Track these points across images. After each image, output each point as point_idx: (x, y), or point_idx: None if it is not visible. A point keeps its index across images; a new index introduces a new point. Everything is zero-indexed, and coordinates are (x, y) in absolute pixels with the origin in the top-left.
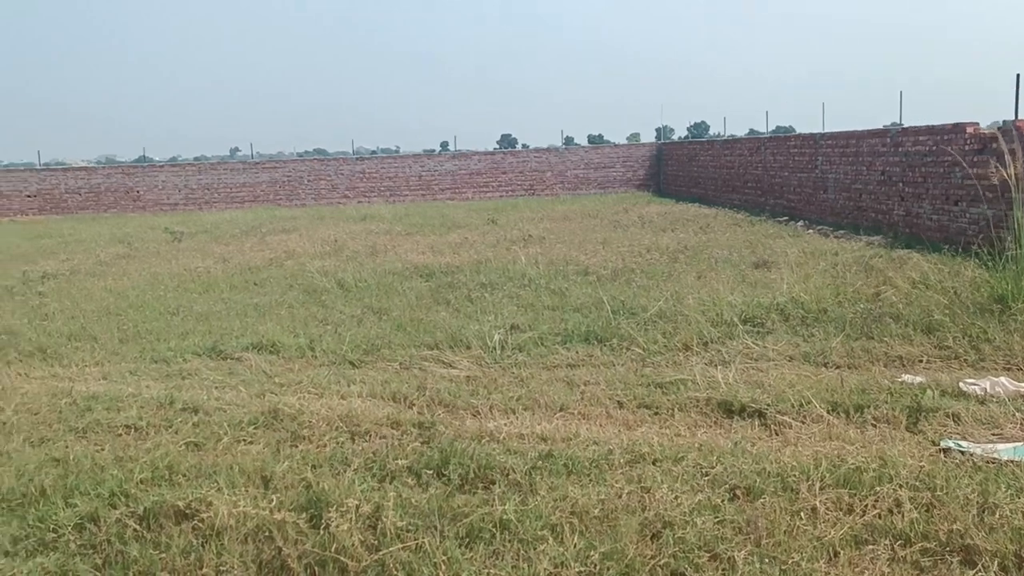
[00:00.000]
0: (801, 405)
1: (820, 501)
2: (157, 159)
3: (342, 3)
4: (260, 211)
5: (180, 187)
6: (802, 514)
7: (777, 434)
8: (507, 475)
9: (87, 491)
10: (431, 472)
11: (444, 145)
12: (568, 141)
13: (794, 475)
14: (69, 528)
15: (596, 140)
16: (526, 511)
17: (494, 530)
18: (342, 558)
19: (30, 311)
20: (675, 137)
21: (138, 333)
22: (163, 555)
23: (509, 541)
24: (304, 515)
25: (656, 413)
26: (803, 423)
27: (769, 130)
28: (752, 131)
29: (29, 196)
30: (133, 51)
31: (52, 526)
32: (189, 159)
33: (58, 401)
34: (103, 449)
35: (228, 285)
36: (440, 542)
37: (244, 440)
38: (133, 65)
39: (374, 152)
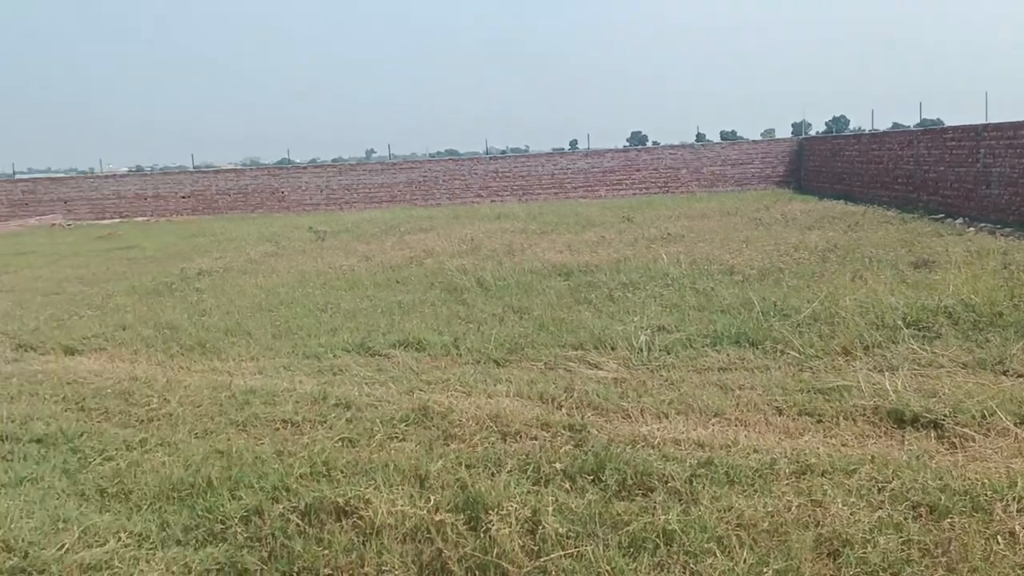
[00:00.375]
0: (983, 416)
1: (1020, 524)
2: (298, 160)
3: (464, 7)
4: (397, 210)
5: (322, 188)
6: (999, 538)
7: (958, 448)
8: (666, 482)
9: (251, 484)
10: (588, 477)
11: (573, 143)
12: (700, 137)
13: (985, 494)
14: (236, 520)
15: (729, 136)
16: (690, 521)
17: (658, 540)
18: (503, 563)
19: (189, 307)
20: (812, 132)
21: (289, 329)
22: (326, 551)
23: (675, 552)
24: (462, 516)
25: (819, 421)
26: (987, 436)
27: (915, 123)
28: (896, 125)
29: (183, 197)
30: (276, 58)
31: (220, 517)
32: (327, 161)
33: (218, 394)
34: (263, 442)
35: (372, 283)
36: (603, 551)
37: (396, 437)
38: (273, 69)
39: (504, 151)
